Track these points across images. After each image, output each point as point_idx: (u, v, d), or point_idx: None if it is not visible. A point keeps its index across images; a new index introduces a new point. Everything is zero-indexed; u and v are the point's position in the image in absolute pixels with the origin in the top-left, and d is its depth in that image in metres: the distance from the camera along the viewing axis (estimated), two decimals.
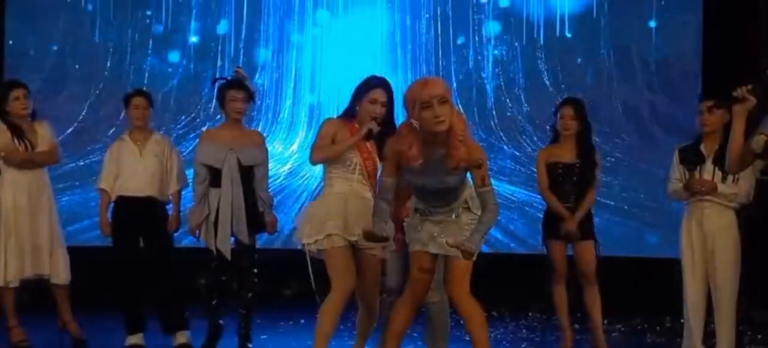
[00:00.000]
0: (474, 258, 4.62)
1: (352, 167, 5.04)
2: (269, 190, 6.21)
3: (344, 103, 5.28)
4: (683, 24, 8.55)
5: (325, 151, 5.05)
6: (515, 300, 8.12)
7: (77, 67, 8.75)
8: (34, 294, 6.70)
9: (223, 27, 8.80)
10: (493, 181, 4.62)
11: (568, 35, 8.65)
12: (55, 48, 8.78)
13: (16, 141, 6.22)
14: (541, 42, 8.67)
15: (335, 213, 4.96)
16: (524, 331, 7.27)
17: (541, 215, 6.35)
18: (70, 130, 8.44)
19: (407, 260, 5.47)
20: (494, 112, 8.68)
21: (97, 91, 8.73)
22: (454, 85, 8.60)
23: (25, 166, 6.23)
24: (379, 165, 5.04)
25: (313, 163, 5.21)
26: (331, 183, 5.09)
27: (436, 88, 4.43)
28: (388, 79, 5.17)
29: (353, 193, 5.02)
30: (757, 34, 7.78)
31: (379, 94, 5.05)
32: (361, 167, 5.05)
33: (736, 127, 4.75)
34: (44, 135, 6.37)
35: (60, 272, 6.33)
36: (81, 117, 8.46)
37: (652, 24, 8.62)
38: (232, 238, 5.96)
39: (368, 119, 5.02)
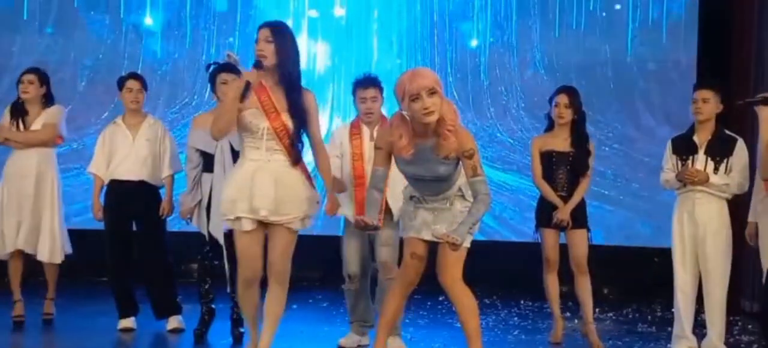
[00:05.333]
0: (467, 246, 4.64)
1: (259, 133, 4.80)
2: None
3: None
4: (678, 14, 8.54)
5: (216, 122, 4.81)
6: (507, 288, 8.13)
7: (71, 51, 8.73)
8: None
9: (221, 6, 8.78)
10: (486, 168, 4.63)
11: (564, 25, 8.63)
12: (49, 31, 8.76)
13: (13, 121, 6.50)
14: (537, 30, 8.65)
15: (242, 194, 4.78)
16: (516, 318, 7.28)
17: (534, 203, 6.36)
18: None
19: (363, 245, 5.67)
20: (489, 100, 8.67)
21: (92, 75, 8.72)
22: (449, 71, 8.59)
23: (7, 143, 6.53)
24: (289, 123, 4.79)
25: (214, 138, 5.03)
26: (244, 153, 4.87)
27: (425, 80, 4.44)
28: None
29: (262, 165, 4.79)
30: (751, 25, 7.77)
31: (259, 33, 4.86)
32: (269, 131, 4.80)
33: (765, 129, 4.68)
34: (39, 119, 6.49)
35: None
36: (74, 100, 8.42)
37: (648, 14, 8.61)
38: (225, 224, 5.95)
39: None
